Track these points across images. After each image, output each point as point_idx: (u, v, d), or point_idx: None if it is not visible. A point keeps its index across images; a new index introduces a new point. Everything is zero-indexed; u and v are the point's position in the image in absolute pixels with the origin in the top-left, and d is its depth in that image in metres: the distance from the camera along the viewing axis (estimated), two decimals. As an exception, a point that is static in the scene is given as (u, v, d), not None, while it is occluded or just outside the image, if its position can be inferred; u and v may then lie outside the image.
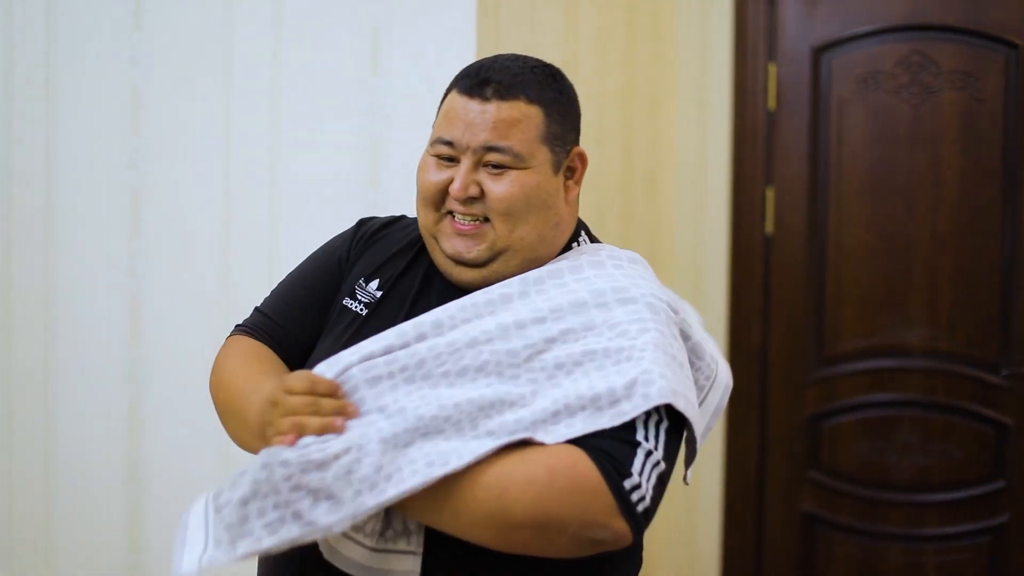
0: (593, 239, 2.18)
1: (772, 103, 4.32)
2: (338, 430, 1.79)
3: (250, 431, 1.95)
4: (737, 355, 4.40)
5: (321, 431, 1.79)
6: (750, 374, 4.39)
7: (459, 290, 2.05)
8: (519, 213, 1.99)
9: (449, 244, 2.03)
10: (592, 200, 3.98)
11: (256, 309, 2.21)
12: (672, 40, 4.39)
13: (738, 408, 4.41)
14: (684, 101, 4.40)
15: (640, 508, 1.77)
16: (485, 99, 1.99)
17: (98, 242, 3.65)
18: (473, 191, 1.99)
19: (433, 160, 2.03)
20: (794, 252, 4.34)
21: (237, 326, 2.20)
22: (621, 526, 1.76)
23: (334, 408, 1.83)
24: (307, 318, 2.16)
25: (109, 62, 3.56)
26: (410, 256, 2.14)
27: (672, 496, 4.40)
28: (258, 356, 2.12)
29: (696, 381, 2.03)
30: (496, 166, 1.99)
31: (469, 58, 3.23)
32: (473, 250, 2.01)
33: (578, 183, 2.10)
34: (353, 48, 3.31)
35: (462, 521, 1.77)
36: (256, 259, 3.62)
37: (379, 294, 2.10)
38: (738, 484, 4.44)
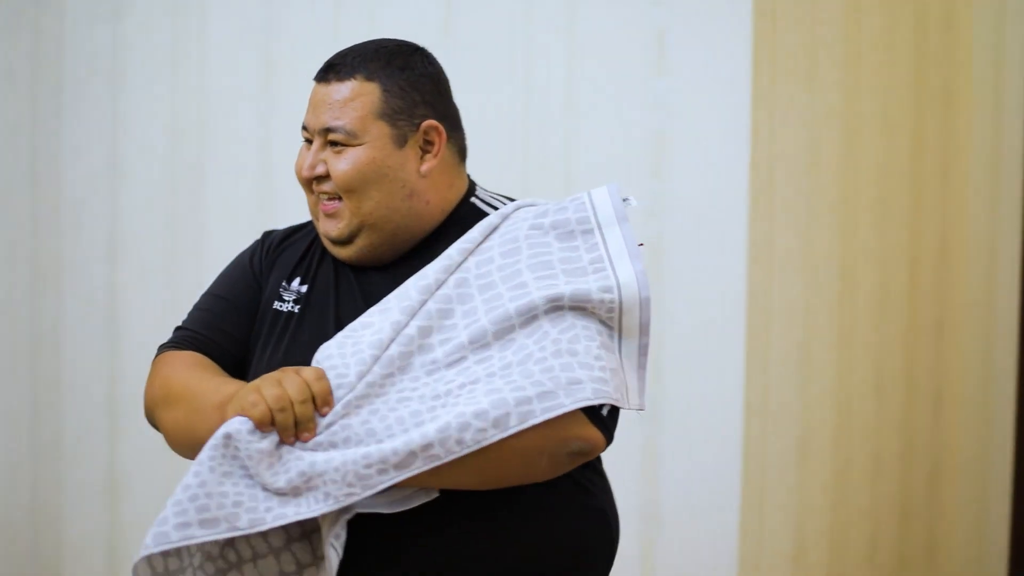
0: (494, 197, 2.19)
1: (1068, 93, 4.31)
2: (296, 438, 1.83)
3: (207, 407, 1.95)
4: (1030, 344, 4.42)
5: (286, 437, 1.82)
6: (1043, 362, 4.40)
7: (369, 271, 2.09)
8: (359, 188, 2.03)
9: (321, 225, 2.10)
10: (878, 191, 4.06)
11: (178, 328, 2.17)
12: (967, 31, 4.42)
13: (1030, 396, 4.42)
14: (979, 92, 4.43)
15: (604, 411, 1.90)
16: (327, 82, 2.06)
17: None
18: (320, 170, 2.05)
19: (303, 146, 2.10)
20: (1088, 242, 4.31)
21: (161, 346, 2.16)
22: (592, 433, 1.88)
23: (304, 415, 1.83)
24: (236, 332, 2.15)
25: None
26: (319, 251, 2.16)
27: (961, 481, 4.45)
28: (202, 364, 2.09)
29: (602, 321, 1.95)
30: (335, 144, 2.04)
31: (746, 57, 3.38)
32: (335, 228, 2.07)
33: (437, 155, 2.09)
34: (640, 50, 3.47)
35: (443, 471, 1.81)
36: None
37: (304, 288, 2.12)
38: (1028, 472, 4.44)
